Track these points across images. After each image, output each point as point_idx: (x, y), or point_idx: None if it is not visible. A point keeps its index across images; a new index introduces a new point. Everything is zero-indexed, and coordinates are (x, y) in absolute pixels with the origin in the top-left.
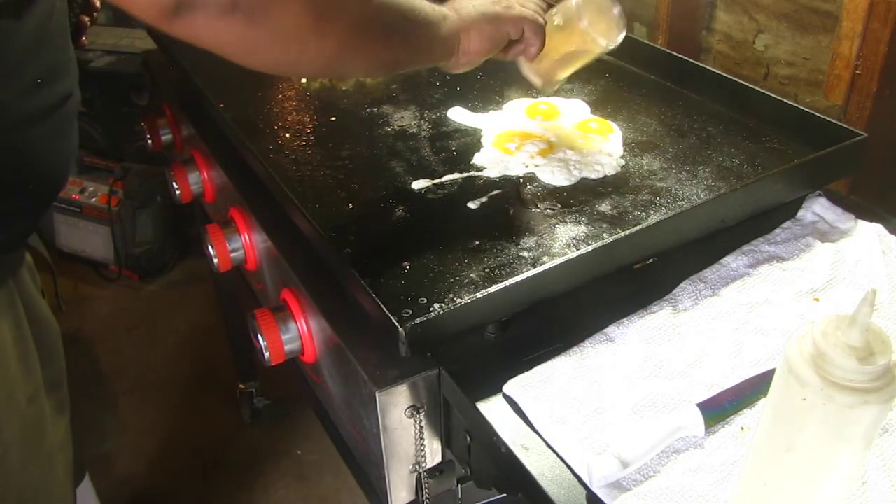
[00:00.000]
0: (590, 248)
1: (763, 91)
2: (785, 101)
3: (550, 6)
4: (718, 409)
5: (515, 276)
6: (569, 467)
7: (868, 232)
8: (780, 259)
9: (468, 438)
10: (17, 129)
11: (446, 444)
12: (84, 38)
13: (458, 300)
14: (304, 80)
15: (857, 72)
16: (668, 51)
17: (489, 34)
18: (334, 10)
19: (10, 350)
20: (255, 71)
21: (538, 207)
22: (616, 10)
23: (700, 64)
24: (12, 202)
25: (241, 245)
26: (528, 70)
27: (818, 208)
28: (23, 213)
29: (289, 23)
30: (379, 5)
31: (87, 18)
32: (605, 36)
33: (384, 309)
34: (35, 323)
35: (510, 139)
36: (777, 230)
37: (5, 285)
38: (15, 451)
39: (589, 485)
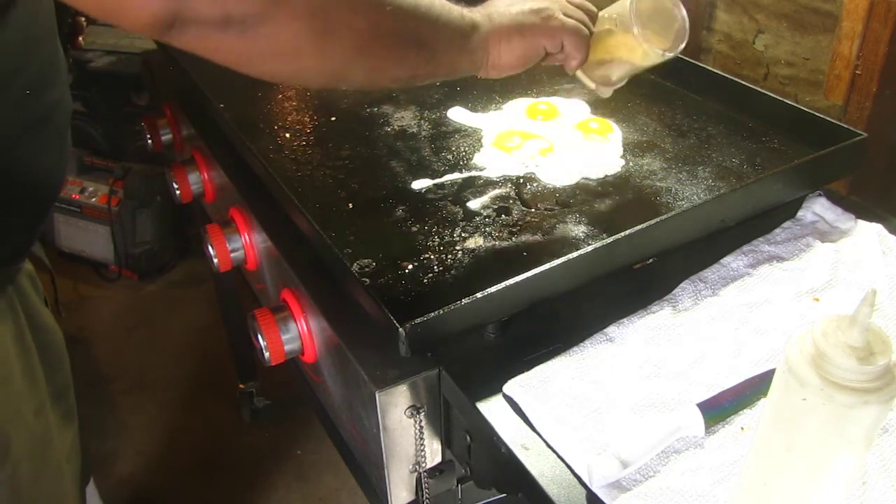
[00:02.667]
0: (590, 248)
1: (763, 91)
2: (785, 101)
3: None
4: (718, 409)
5: (515, 276)
6: (569, 467)
7: (868, 232)
8: (780, 259)
9: (468, 438)
10: (5, 143)
11: (446, 444)
12: (80, 39)
13: (458, 300)
14: None
15: (857, 72)
16: None
17: (521, 49)
18: (337, 27)
19: (14, 364)
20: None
21: (538, 207)
22: (679, 13)
23: (700, 64)
24: (6, 217)
25: (241, 245)
26: (580, 74)
27: (818, 208)
28: (18, 229)
29: (286, 40)
30: (395, 16)
31: (82, 19)
32: (661, 44)
33: (384, 309)
34: (38, 332)
35: (510, 139)
36: (777, 230)
37: (4, 294)
38: (25, 466)
39: (589, 485)
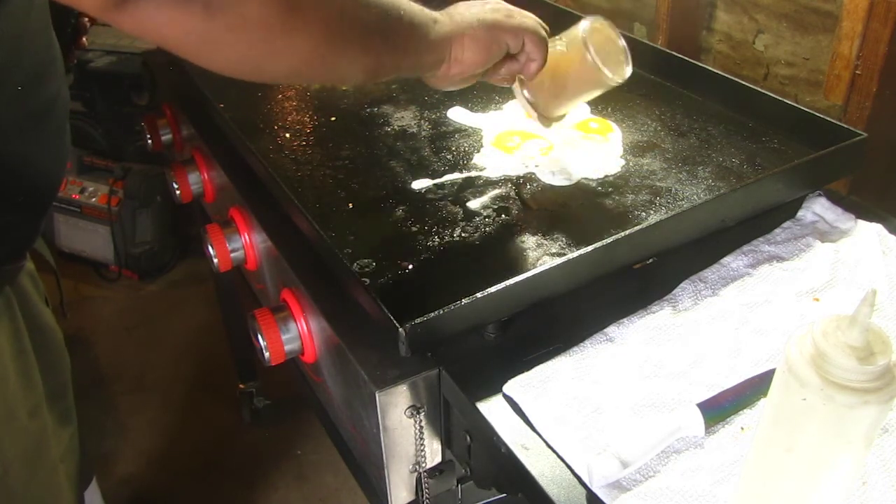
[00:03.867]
0: (590, 248)
1: (763, 91)
2: (785, 101)
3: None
4: (718, 409)
5: (515, 276)
6: (569, 467)
7: (868, 232)
8: (780, 259)
9: (468, 438)
10: (3, 137)
11: (446, 444)
12: (84, 40)
13: (458, 300)
14: None
15: (857, 72)
16: (668, 51)
17: (485, 43)
18: (307, 3)
19: (9, 365)
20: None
21: (538, 207)
22: (621, 43)
23: (700, 64)
24: (4, 216)
25: (241, 245)
26: (524, 99)
27: (818, 208)
28: (17, 226)
29: (253, 15)
30: (360, 2)
31: (85, 19)
32: (611, 69)
33: (384, 309)
34: (37, 333)
35: (510, 139)
36: (777, 230)
37: (2, 294)
38: (17, 467)
39: (589, 485)
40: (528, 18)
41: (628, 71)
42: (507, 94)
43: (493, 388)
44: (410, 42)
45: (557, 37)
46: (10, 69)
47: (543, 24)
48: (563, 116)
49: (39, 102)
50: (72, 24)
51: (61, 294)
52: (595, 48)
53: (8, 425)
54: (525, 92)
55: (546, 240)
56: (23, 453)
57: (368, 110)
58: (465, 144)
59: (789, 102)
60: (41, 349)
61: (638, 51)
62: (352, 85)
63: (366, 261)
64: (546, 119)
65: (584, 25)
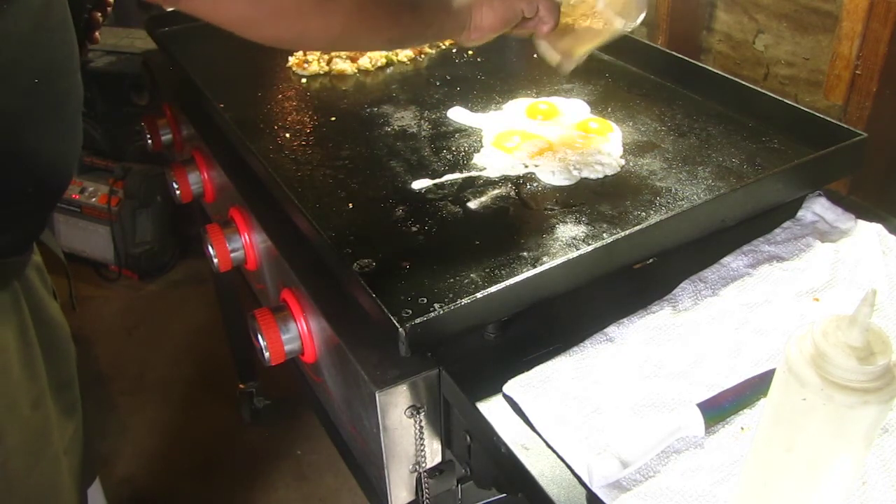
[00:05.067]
0: (590, 248)
1: (763, 91)
2: (785, 101)
3: None
4: (718, 409)
5: (515, 276)
6: (569, 467)
7: (868, 232)
8: (780, 259)
9: (468, 438)
10: (14, 130)
11: (446, 444)
12: (97, 35)
13: (458, 300)
14: (304, 81)
15: (857, 72)
16: (668, 51)
17: (502, 11)
18: None
19: (13, 356)
20: (254, 69)
21: (538, 207)
22: None
23: (700, 64)
24: (13, 206)
25: (241, 245)
26: (545, 46)
27: (818, 208)
28: (25, 217)
29: (290, 4)
30: None
31: (99, 15)
32: (622, 14)
33: (384, 309)
34: (42, 325)
35: (510, 139)
36: (777, 230)
37: (9, 288)
38: (18, 457)
39: (589, 485)
40: None
41: (641, 16)
42: (508, 94)
43: (493, 388)
44: (437, 13)
45: None
46: (25, 63)
47: None
48: (583, 57)
49: (54, 96)
50: (84, 19)
51: (70, 288)
52: None
53: (9, 415)
54: (544, 41)
55: (546, 240)
56: (24, 444)
57: (368, 110)
58: (465, 144)
59: (789, 102)
60: (47, 342)
61: (638, 51)
62: (379, 51)
63: (366, 261)
64: (567, 62)
65: None
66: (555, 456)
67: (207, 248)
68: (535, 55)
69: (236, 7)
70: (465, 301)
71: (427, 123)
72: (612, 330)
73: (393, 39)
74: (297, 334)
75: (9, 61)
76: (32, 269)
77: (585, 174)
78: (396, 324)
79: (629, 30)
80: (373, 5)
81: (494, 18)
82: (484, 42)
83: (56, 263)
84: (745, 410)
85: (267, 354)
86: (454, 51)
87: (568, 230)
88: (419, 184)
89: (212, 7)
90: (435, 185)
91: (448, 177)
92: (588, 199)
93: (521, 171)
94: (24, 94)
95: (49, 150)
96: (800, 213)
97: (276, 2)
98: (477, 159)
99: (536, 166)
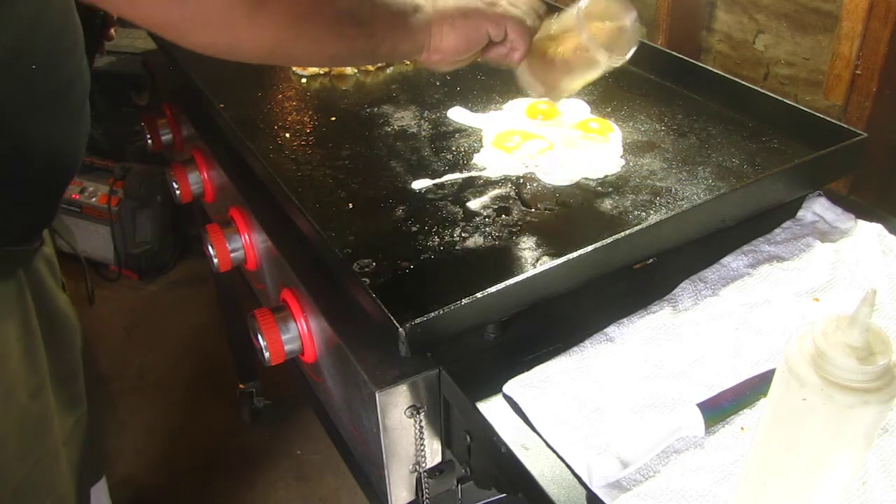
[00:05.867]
0: (590, 248)
1: (763, 91)
2: (785, 101)
3: (551, 12)
4: (718, 409)
5: (515, 276)
6: (569, 467)
7: (868, 232)
8: (780, 259)
9: (468, 438)
10: (15, 117)
11: (446, 444)
12: (112, 31)
13: (458, 300)
14: (304, 81)
15: (857, 72)
16: (668, 51)
17: (465, 32)
18: None
19: (13, 346)
20: (254, 69)
21: (538, 207)
22: (629, 18)
23: (700, 64)
24: (13, 192)
25: (241, 245)
26: (526, 77)
27: (818, 208)
28: (28, 204)
29: (217, 9)
30: None
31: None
32: (609, 48)
33: (384, 309)
34: (48, 317)
35: (510, 139)
36: (777, 230)
37: (14, 277)
38: (12, 445)
39: (589, 485)
40: (514, 7)
41: (631, 51)
42: (508, 94)
43: (493, 388)
44: (388, 30)
45: (556, 16)
46: (25, 49)
47: (537, 10)
48: (572, 90)
49: (56, 83)
50: (100, 15)
51: (88, 283)
52: (594, 29)
53: (4, 402)
54: (526, 71)
55: (546, 240)
56: (19, 431)
57: (368, 110)
58: (465, 144)
59: (789, 102)
60: (51, 333)
61: (638, 51)
62: (327, 67)
63: (366, 261)
64: (553, 93)
65: (581, 5)
66: (555, 456)
67: (207, 248)
68: None
69: (156, 8)
70: (465, 301)
71: (427, 123)
72: (612, 330)
73: (337, 56)
74: (297, 334)
75: (9, 47)
76: (42, 260)
77: (585, 174)
78: (396, 324)
79: (618, 64)
80: (312, 17)
81: (456, 40)
82: (451, 67)
83: (72, 260)
84: (745, 410)
85: (267, 354)
86: None
87: (568, 230)
88: (419, 184)
89: (131, 7)
90: (435, 185)
91: (448, 177)
92: (588, 199)
93: (521, 171)
94: (23, 80)
95: (52, 137)
96: (800, 213)
97: (199, 7)
98: (477, 159)
99: (536, 166)
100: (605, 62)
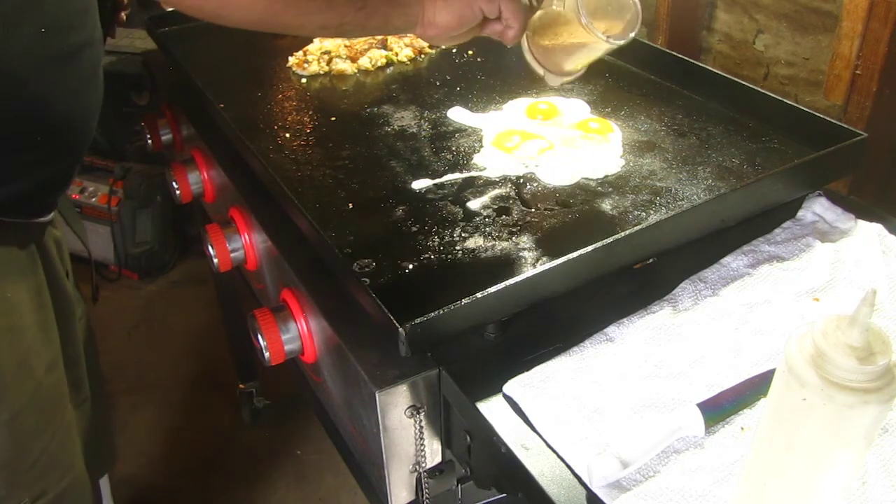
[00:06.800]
0: (590, 248)
1: (763, 91)
2: (785, 101)
3: None
4: (718, 409)
5: (515, 276)
6: (569, 467)
7: (868, 232)
8: (780, 259)
9: (468, 438)
10: (19, 78)
11: (446, 444)
12: (123, 15)
13: (458, 300)
14: (304, 81)
15: (857, 72)
16: (668, 51)
17: (458, 8)
18: None
19: (27, 316)
20: (254, 69)
21: (538, 207)
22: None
23: (700, 64)
24: (23, 155)
25: (241, 245)
26: (531, 57)
27: (818, 208)
28: (38, 169)
29: None
30: None
31: None
32: (610, 30)
33: (384, 309)
34: (56, 296)
35: (510, 139)
36: (777, 230)
37: (27, 248)
38: (28, 416)
39: (589, 485)
40: None
41: (633, 33)
42: (508, 94)
43: (493, 388)
44: (381, 3)
45: None
46: (29, 11)
47: None
48: (571, 73)
49: (64, 48)
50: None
51: (93, 281)
52: (593, 9)
53: (19, 373)
54: (530, 51)
55: (546, 240)
56: (35, 404)
57: (368, 110)
58: (465, 144)
59: (789, 102)
60: (60, 312)
61: (638, 51)
62: (319, 37)
63: (366, 261)
64: (554, 75)
65: None
66: (555, 456)
67: (207, 248)
68: None
69: None
70: (465, 301)
71: (427, 123)
72: (612, 330)
73: (327, 26)
74: (297, 334)
75: (11, 10)
76: (51, 240)
77: (585, 174)
78: (396, 324)
79: (618, 46)
80: None
81: (450, 16)
82: (450, 42)
83: (77, 261)
84: (745, 410)
85: (267, 354)
86: (454, 50)
87: (568, 230)
88: (419, 184)
89: None
90: (435, 185)
91: (448, 177)
92: (588, 199)
93: (521, 171)
94: (30, 43)
95: (60, 103)
96: (800, 213)
97: None
98: (477, 159)
99: (536, 166)
100: (605, 44)
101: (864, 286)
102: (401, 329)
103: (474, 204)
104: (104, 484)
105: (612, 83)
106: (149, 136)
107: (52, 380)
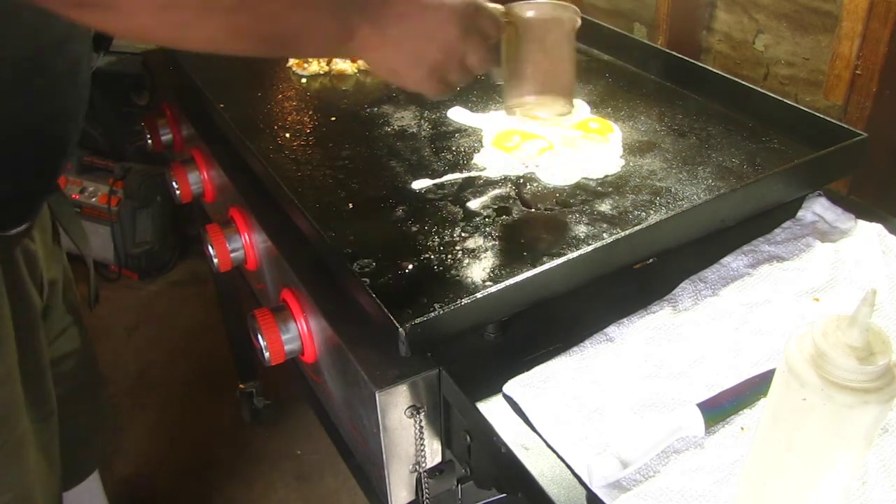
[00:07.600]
0: (590, 248)
1: (763, 91)
2: (785, 101)
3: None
4: (718, 409)
5: (515, 276)
6: (569, 467)
7: (868, 232)
8: (780, 259)
9: (468, 438)
10: (28, 103)
11: (446, 444)
12: None
13: (458, 300)
14: (304, 81)
15: (857, 72)
16: (668, 51)
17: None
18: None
19: None
20: (254, 69)
21: (538, 207)
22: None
23: (700, 64)
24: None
25: (241, 245)
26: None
27: (818, 208)
28: (19, 185)
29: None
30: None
31: None
32: (551, 106)
33: (384, 308)
34: (18, 310)
35: (510, 139)
36: (777, 230)
37: None
38: None
39: (589, 485)
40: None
41: (569, 107)
42: None
43: (493, 388)
44: (315, 48)
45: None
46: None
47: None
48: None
49: (46, 41)
50: None
51: (90, 285)
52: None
53: None
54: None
55: (546, 240)
56: None
57: (368, 110)
58: (465, 144)
59: (789, 102)
60: (19, 328)
61: (638, 51)
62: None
63: (366, 261)
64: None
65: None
66: (555, 456)
67: (207, 248)
68: None
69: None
70: (465, 301)
71: (427, 123)
72: (612, 330)
73: (216, 39)
74: (297, 334)
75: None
76: (21, 252)
77: (585, 174)
78: (396, 323)
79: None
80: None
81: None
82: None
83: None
84: (745, 410)
85: (267, 354)
86: None
87: (568, 230)
88: (419, 184)
89: None
90: (435, 185)
91: (448, 177)
92: (588, 199)
93: (521, 171)
94: (14, 37)
95: (39, 105)
96: (800, 213)
97: None
98: (477, 159)
99: (536, 166)
100: (550, 112)
101: (864, 286)
102: (401, 329)
103: (474, 204)
104: (95, 483)
105: (612, 83)
106: (149, 136)
107: (5, 392)
